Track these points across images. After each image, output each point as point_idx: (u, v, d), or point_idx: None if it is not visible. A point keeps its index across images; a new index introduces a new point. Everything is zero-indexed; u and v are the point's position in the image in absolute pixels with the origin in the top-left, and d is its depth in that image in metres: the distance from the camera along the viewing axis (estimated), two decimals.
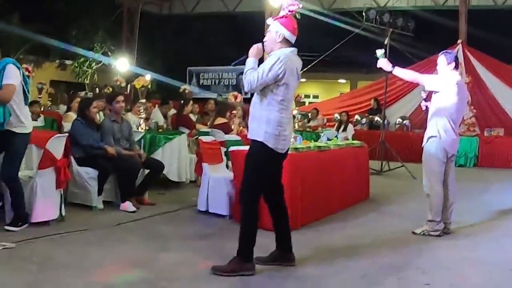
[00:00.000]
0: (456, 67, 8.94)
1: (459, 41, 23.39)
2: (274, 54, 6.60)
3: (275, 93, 6.52)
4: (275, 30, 6.68)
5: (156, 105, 15.86)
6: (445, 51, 9.17)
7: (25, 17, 26.00)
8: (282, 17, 6.75)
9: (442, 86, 8.69)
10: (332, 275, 6.60)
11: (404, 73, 9.15)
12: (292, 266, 6.85)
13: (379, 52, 8.98)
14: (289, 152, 7.86)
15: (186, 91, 19.68)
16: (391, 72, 9.09)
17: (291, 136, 7.22)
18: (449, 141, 8.67)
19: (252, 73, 6.53)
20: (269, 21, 6.86)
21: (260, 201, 6.81)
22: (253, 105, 6.80)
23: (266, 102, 6.57)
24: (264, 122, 6.52)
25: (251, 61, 6.67)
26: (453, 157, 9.04)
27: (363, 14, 18.98)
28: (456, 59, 8.98)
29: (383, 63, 8.90)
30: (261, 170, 6.65)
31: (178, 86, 21.84)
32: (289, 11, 6.72)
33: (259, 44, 6.79)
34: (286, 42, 6.68)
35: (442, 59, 8.97)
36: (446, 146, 8.67)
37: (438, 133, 8.66)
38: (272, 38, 6.72)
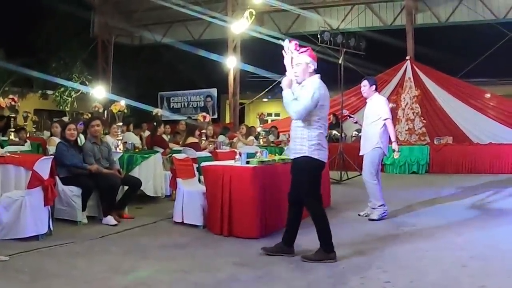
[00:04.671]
0: (376, 89, 10.54)
1: (407, 57, 23.79)
2: (310, 83, 7.18)
3: (313, 114, 7.11)
4: (306, 62, 7.26)
5: (131, 127, 15.91)
6: (366, 77, 10.86)
7: (10, 52, 26.07)
8: (306, 50, 7.36)
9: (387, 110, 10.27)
10: (301, 276, 6.67)
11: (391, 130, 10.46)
12: (292, 256, 7.46)
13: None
14: (256, 165, 8.23)
15: (159, 114, 19.68)
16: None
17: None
18: (386, 146, 10.43)
19: (297, 104, 7.07)
20: (294, 54, 7.35)
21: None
22: (295, 128, 7.33)
23: (306, 123, 7.15)
24: (306, 139, 7.12)
25: (289, 93, 7.20)
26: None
27: (318, 36, 19.10)
28: (376, 82, 10.61)
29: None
30: (313, 178, 7.35)
31: (151, 110, 21.88)
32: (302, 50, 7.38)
33: (291, 76, 7.28)
34: (314, 71, 7.30)
35: (365, 83, 10.54)
36: (385, 150, 10.42)
37: (381, 144, 10.23)
38: (303, 69, 7.29)
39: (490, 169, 19.52)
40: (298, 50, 7.36)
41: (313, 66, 7.30)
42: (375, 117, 10.28)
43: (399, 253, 7.80)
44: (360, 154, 10.62)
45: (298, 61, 7.28)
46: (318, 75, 7.32)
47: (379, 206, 10.25)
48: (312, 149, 7.14)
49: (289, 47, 7.36)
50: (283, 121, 28.59)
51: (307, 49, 7.38)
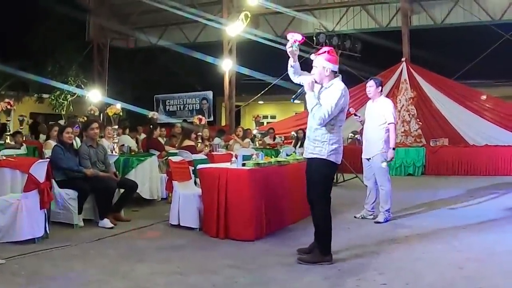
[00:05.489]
0: (381, 91, 10.45)
1: (403, 59, 23.67)
2: (334, 88, 7.16)
3: (336, 118, 7.17)
4: (322, 65, 7.19)
5: (127, 130, 15.92)
6: (372, 77, 10.71)
7: (5, 55, 26.03)
8: (323, 53, 7.29)
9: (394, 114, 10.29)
10: (296, 278, 6.68)
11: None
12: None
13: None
14: (252, 167, 8.24)
15: (154, 117, 19.68)
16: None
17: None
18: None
19: (320, 109, 7.09)
20: (312, 56, 7.37)
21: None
22: (315, 131, 7.28)
23: (329, 127, 7.18)
24: (327, 143, 7.20)
25: (312, 96, 7.19)
26: None
27: (314, 38, 19.14)
28: (382, 83, 10.52)
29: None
30: (328, 180, 7.47)
31: (146, 112, 21.88)
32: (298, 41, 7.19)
33: (313, 79, 7.21)
34: (333, 73, 7.24)
35: (371, 83, 10.42)
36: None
37: (387, 149, 10.09)
38: (320, 72, 7.23)
39: (486, 171, 19.54)
40: (318, 53, 7.35)
41: (331, 69, 7.23)
42: (381, 120, 10.18)
43: (395, 255, 7.81)
44: (365, 157, 10.54)
45: (314, 64, 7.27)
46: (339, 77, 7.33)
47: (386, 210, 10.27)
48: (331, 153, 7.19)
49: (290, 39, 7.20)
50: (279, 123, 28.64)
51: (324, 52, 7.32)
